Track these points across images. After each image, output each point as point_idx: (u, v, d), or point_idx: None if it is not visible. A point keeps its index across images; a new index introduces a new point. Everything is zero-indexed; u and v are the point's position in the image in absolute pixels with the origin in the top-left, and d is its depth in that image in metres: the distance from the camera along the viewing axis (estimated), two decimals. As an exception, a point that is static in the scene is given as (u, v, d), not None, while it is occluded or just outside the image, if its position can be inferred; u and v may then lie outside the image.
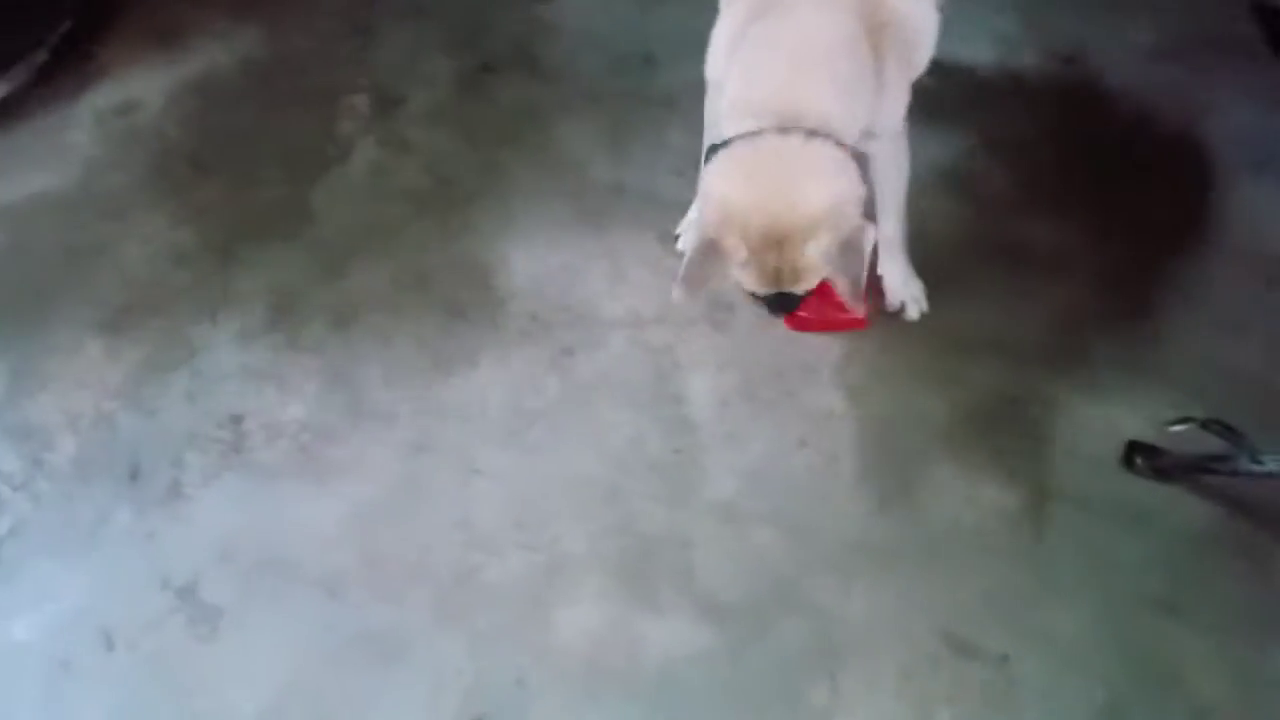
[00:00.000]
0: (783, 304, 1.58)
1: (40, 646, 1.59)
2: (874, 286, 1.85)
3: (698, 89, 1.74)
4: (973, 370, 1.81)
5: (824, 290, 1.59)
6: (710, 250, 1.48)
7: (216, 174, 2.10)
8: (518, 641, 1.58)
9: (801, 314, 1.70)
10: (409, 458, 1.75)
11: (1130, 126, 2.10)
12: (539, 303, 1.91)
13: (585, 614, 1.60)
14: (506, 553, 1.66)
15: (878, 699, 1.52)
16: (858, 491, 1.70)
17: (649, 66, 2.23)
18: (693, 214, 1.94)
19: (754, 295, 1.59)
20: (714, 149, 1.53)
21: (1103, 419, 1.74)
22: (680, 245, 1.95)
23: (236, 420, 1.79)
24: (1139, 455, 1.67)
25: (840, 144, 1.48)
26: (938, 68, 1.73)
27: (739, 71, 1.56)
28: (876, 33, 1.54)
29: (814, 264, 1.47)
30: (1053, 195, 2.01)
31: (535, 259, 1.97)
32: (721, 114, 1.55)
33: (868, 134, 1.57)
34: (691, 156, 1.89)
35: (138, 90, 2.23)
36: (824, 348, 1.84)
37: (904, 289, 1.86)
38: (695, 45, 1.69)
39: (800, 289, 1.53)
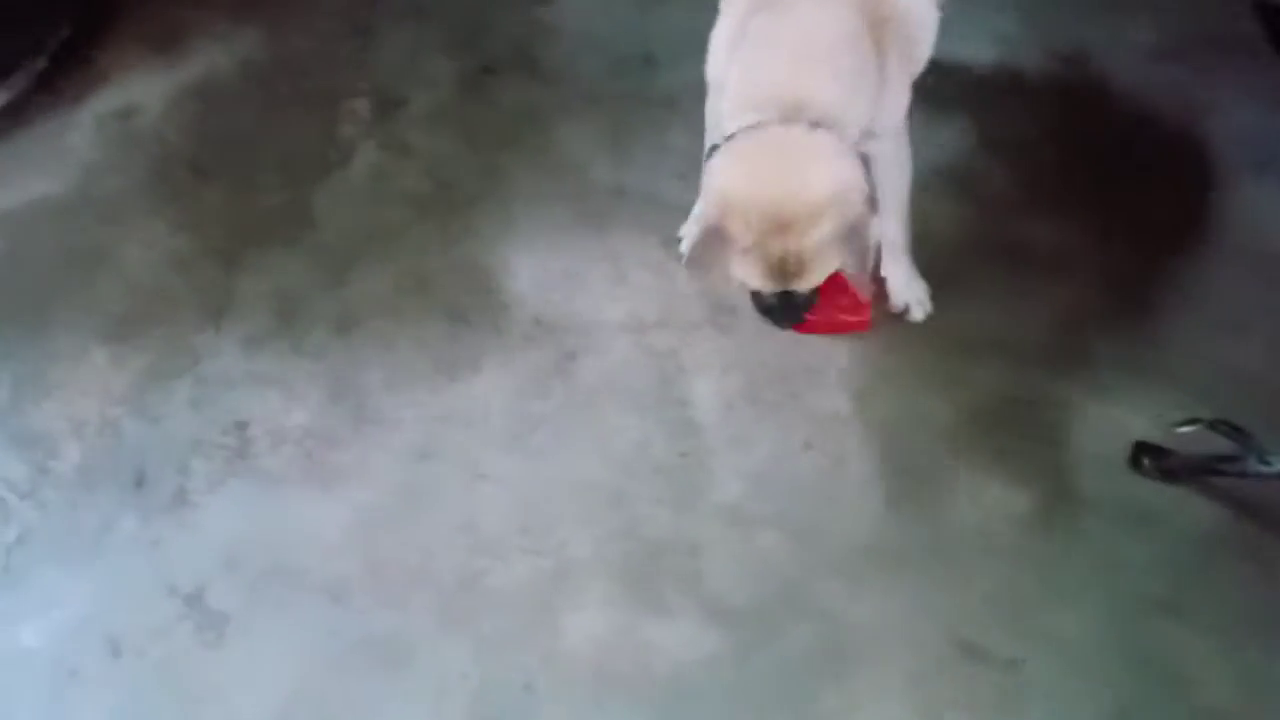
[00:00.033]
0: (788, 310, 1.57)
1: (47, 653, 1.59)
2: (877, 289, 1.85)
3: (699, 90, 1.74)
4: (977, 372, 1.81)
5: (827, 292, 1.60)
6: (714, 235, 1.47)
7: (217, 179, 2.09)
8: (524, 647, 1.58)
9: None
10: (413, 463, 1.75)
11: (1132, 126, 2.09)
12: (541, 307, 1.91)
13: (592, 619, 1.60)
14: (511, 558, 1.66)
15: (886, 703, 1.52)
16: (864, 494, 1.70)
17: (649, 68, 2.23)
18: (696, 214, 1.93)
19: (758, 302, 1.58)
20: (716, 148, 1.52)
21: (1108, 420, 1.74)
22: (683, 248, 1.94)
23: (241, 426, 1.78)
24: (1146, 456, 1.67)
25: (843, 137, 1.47)
26: (938, 68, 1.73)
27: (740, 67, 1.55)
28: (878, 28, 1.54)
29: (818, 252, 1.46)
30: (1054, 195, 2.00)
31: (537, 263, 1.97)
32: (723, 113, 1.55)
33: (869, 133, 1.56)
34: (693, 158, 1.88)
35: (137, 95, 2.22)
36: (828, 350, 1.84)
37: (907, 290, 1.86)
38: (696, 46, 1.69)
39: (805, 285, 1.51)
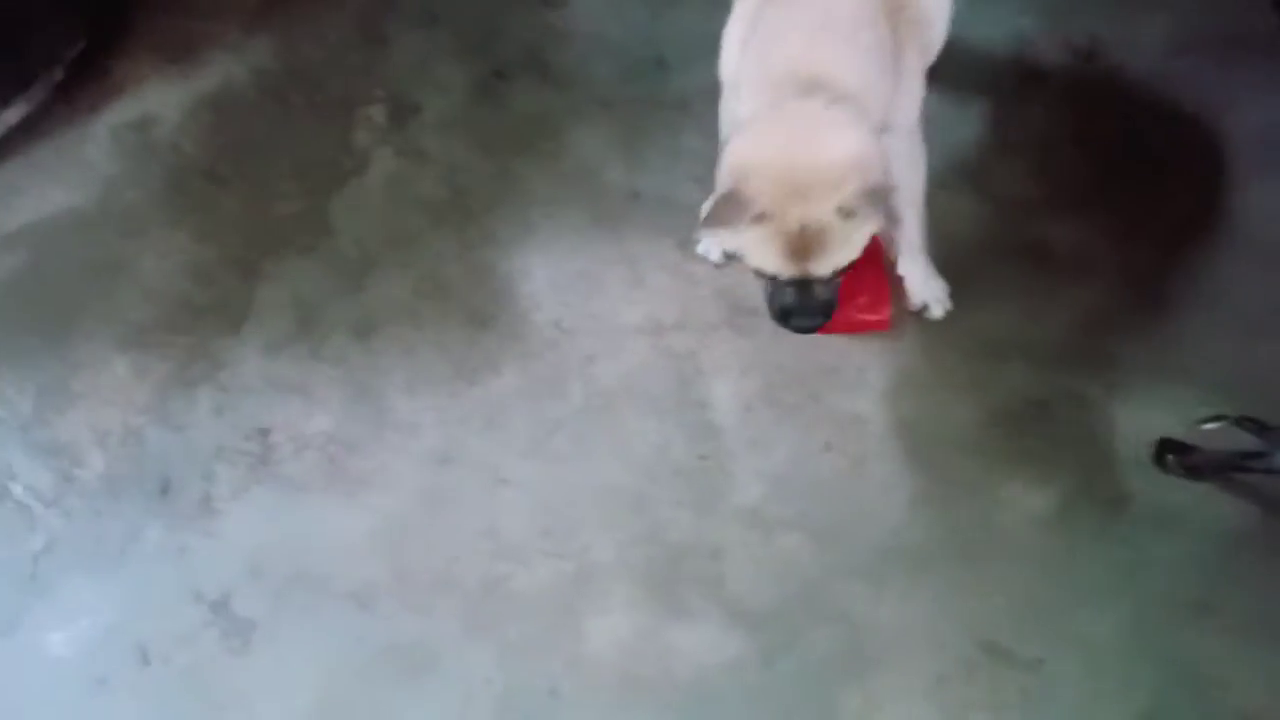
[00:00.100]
0: (807, 310, 1.53)
1: (77, 662, 1.60)
2: (895, 288, 1.85)
3: (711, 93, 1.74)
4: (998, 371, 1.80)
5: (845, 292, 1.59)
6: (731, 200, 1.42)
7: (234, 188, 2.10)
8: (548, 651, 1.59)
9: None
10: (434, 468, 1.76)
11: (1149, 123, 2.08)
12: (559, 310, 1.91)
13: (615, 623, 1.60)
14: (534, 562, 1.67)
15: (909, 704, 1.52)
16: (885, 496, 1.70)
17: (662, 70, 2.23)
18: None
19: (776, 301, 1.54)
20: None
21: (1131, 419, 1.73)
22: (699, 250, 1.95)
23: (264, 433, 1.79)
24: (1170, 453, 1.66)
25: (863, 115, 1.44)
26: (954, 64, 1.72)
27: (754, 53, 1.53)
28: (894, 15, 1.53)
29: (838, 224, 1.41)
30: (1072, 194, 1.99)
31: (554, 267, 1.97)
32: (737, 108, 1.54)
33: (884, 126, 1.54)
34: (707, 161, 1.87)
35: (153, 106, 2.23)
36: (847, 350, 1.84)
37: (926, 289, 1.85)
38: (708, 48, 1.69)
39: (824, 266, 1.46)
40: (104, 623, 1.63)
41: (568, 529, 1.69)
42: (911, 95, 1.60)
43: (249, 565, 1.67)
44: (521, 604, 1.63)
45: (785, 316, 1.54)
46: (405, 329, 1.90)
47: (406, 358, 1.87)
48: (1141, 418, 1.73)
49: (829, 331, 1.81)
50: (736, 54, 1.62)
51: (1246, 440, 1.56)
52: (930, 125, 1.69)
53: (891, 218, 1.44)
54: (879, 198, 1.41)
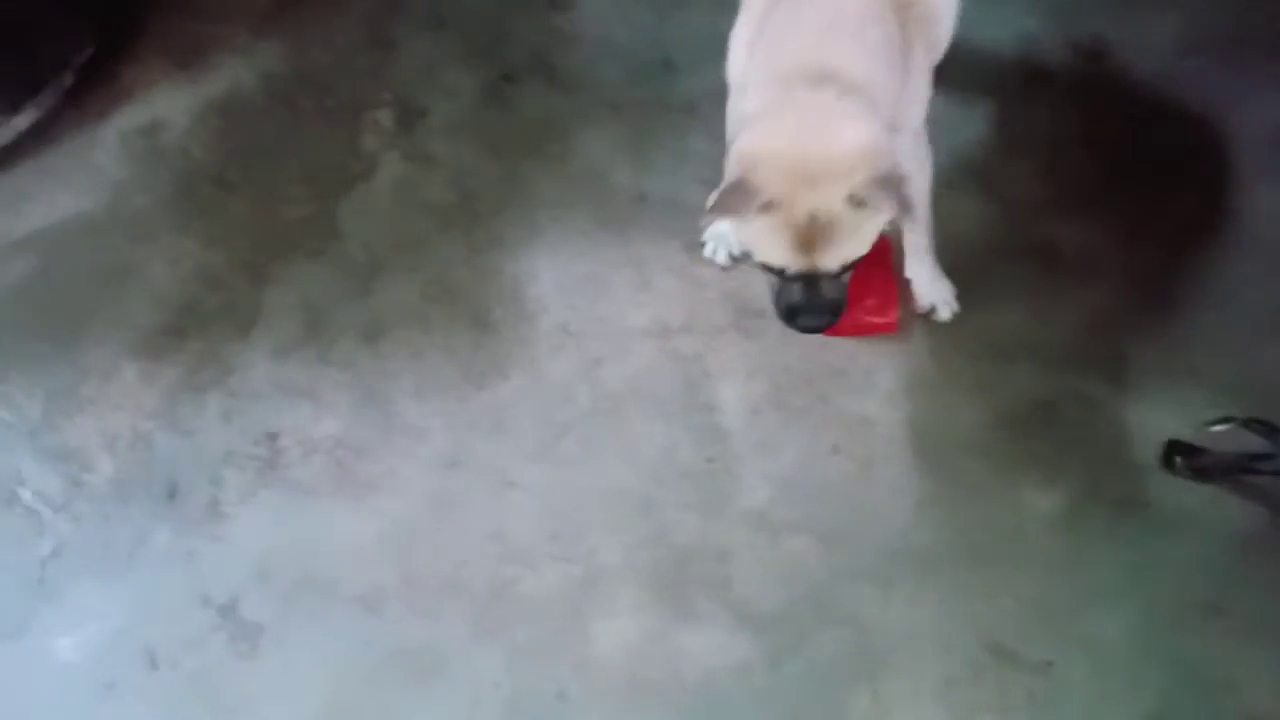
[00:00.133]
0: (815, 308, 1.50)
1: (85, 667, 1.61)
2: (902, 290, 1.85)
3: (718, 95, 1.74)
4: (1005, 373, 1.80)
5: (853, 294, 1.58)
6: (739, 187, 1.40)
7: (243, 193, 2.11)
8: (556, 655, 1.59)
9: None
10: (442, 472, 1.76)
11: (1157, 123, 2.08)
12: (567, 313, 1.91)
13: (623, 626, 1.60)
14: (542, 565, 1.67)
15: (917, 707, 1.52)
16: (893, 498, 1.69)
17: (669, 73, 2.23)
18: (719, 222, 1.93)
19: (783, 299, 1.51)
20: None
21: (1139, 421, 1.73)
22: (706, 253, 1.95)
23: (272, 437, 1.80)
24: (1178, 455, 1.66)
25: (874, 108, 1.42)
26: (961, 64, 1.72)
27: (763, 51, 1.52)
28: (902, 11, 1.52)
29: (848, 214, 1.39)
30: (1079, 194, 1.99)
31: (561, 270, 1.97)
32: (745, 109, 1.53)
33: (892, 126, 1.54)
34: (714, 163, 1.87)
35: (162, 110, 2.24)
36: (854, 353, 1.84)
37: (933, 291, 1.85)
38: (715, 50, 1.69)
39: (833, 259, 1.44)
40: (112, 627, 1.64)
41: (575, 532, 1.69)
42: (918, 96, 1.60)
43: (257, 569, 1.68)
44: (529, 607, 1.63)
45: (792, 315, 1.52)
46: (413, 333, 1.91)
47: (414, 362, 1.88)
48: (1149, 419, 1.73)
49: (836, 334, 1.81)
50: (744, 56, 1.61)
51: (1255, 442, 1.56)
52: (937, 126, 1.69)
53: (905, 206, 1.41)
54: (890, 186, 1.38)
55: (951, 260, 1.86)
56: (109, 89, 2.28)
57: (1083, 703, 1.51)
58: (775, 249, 1.44)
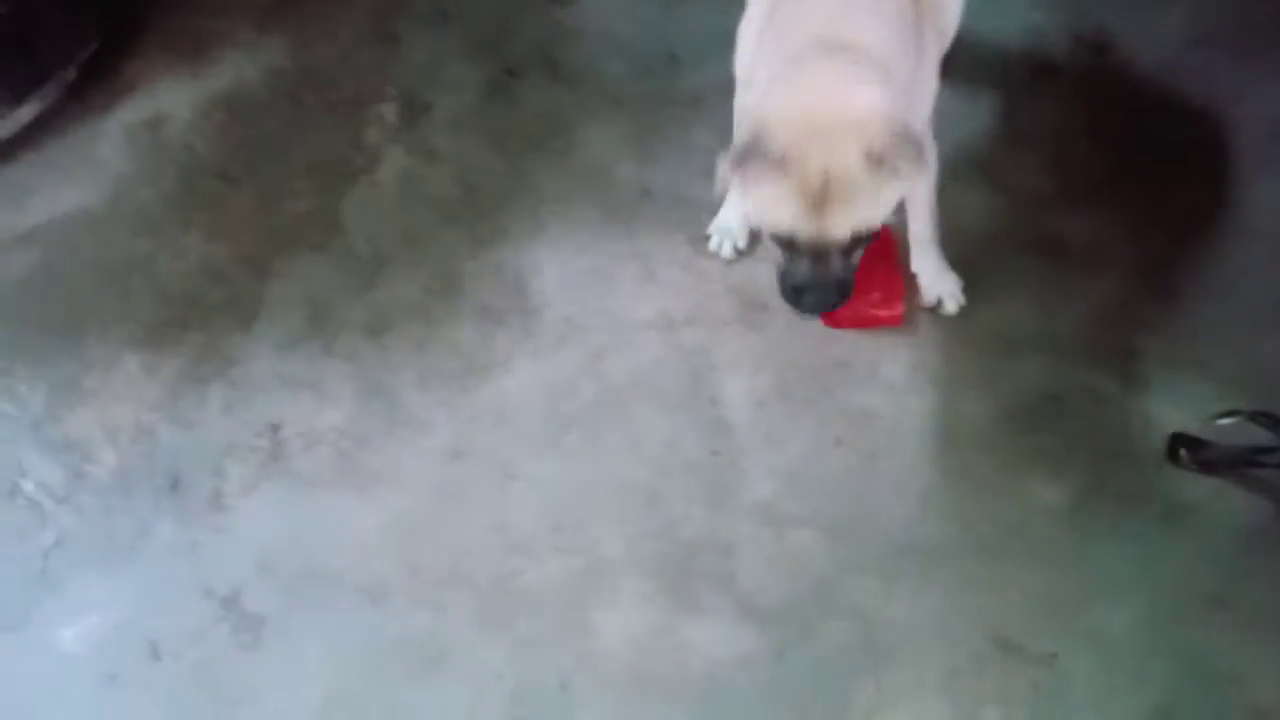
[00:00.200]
0: (820, 290, 1.45)
1: (87, 658, 1.60)
2: (908, 283, 1.84)
3: (723, 89, 1.74)
4: (1011, 366, 1.79)
5: (858, 288, 1.57)
6: (751, 145, 1.35)
7: (246, 187, 2.11)
8: (559, 646, 1.58)
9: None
10: (446, 463, 1.76)
11: (1164, 116, 2.07)
12: (571, 307, 1.91)
13: (626, 618, 1.60)
14: (545, 557, 1.66)
15: (922, 699, 1.51)
16: (898, 491, 1.69)
17: (673, 67, 2.23)
18: (723, 215, 1.93)
19: (788, 280, 1.47)
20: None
21: (1145, 413, 1.72)
22: (711, 246, 1.94)
23: (275, 429, 1.79)
24: (1184, 448, 1.65)
25: (889, 81, 1.39)
26: (967, 56, 1.71)
27: (774, 36, 1.49)
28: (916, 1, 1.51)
29: (861, 173, 1.34)
30: (1085, 186, 1.99)
31: (566, 263, 1.97)
32: (751, 104, 1.52)
33: (905, 103, 1.50)
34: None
35: (166, 104, 2.24)
36: (859, 346, 1.83)
37: (939, 284, 1.84)
38: (720, 44, 1.69)
39: (842, 226, 1.38)
40: (114, 619, 1.63)
41: (579, 525, 1.69)
42: (927, 87, 1.59)
43: (259, 561, 1.67)
44: (532, 599, 1.62)
45: (798, 295, 1.47)
46: (417, 326, 1.91)
47: (418, 354, 1.87)
48: (1155, 412, 1.72)
49: (842, 326, 1.82)
50: (752, 48, 1.61)
51: (1260, 435, 1.56)
52: (942, 119, 1.68)
53: (924, 167, 1.36)
54: (910, 143, 1.34)
55: (957, 253, 1.86)
56: (112, 83, 2.28)
57: (1087, 695, 1.50)
58: (785, 211, 1.38)
